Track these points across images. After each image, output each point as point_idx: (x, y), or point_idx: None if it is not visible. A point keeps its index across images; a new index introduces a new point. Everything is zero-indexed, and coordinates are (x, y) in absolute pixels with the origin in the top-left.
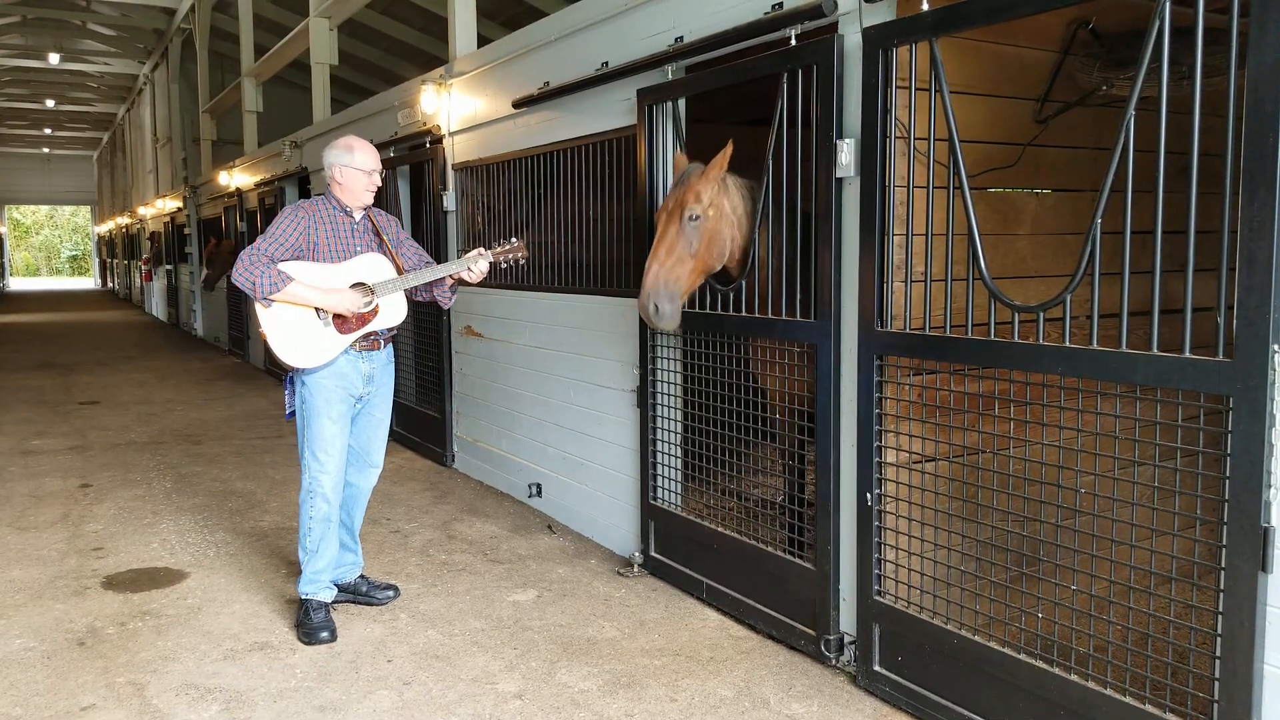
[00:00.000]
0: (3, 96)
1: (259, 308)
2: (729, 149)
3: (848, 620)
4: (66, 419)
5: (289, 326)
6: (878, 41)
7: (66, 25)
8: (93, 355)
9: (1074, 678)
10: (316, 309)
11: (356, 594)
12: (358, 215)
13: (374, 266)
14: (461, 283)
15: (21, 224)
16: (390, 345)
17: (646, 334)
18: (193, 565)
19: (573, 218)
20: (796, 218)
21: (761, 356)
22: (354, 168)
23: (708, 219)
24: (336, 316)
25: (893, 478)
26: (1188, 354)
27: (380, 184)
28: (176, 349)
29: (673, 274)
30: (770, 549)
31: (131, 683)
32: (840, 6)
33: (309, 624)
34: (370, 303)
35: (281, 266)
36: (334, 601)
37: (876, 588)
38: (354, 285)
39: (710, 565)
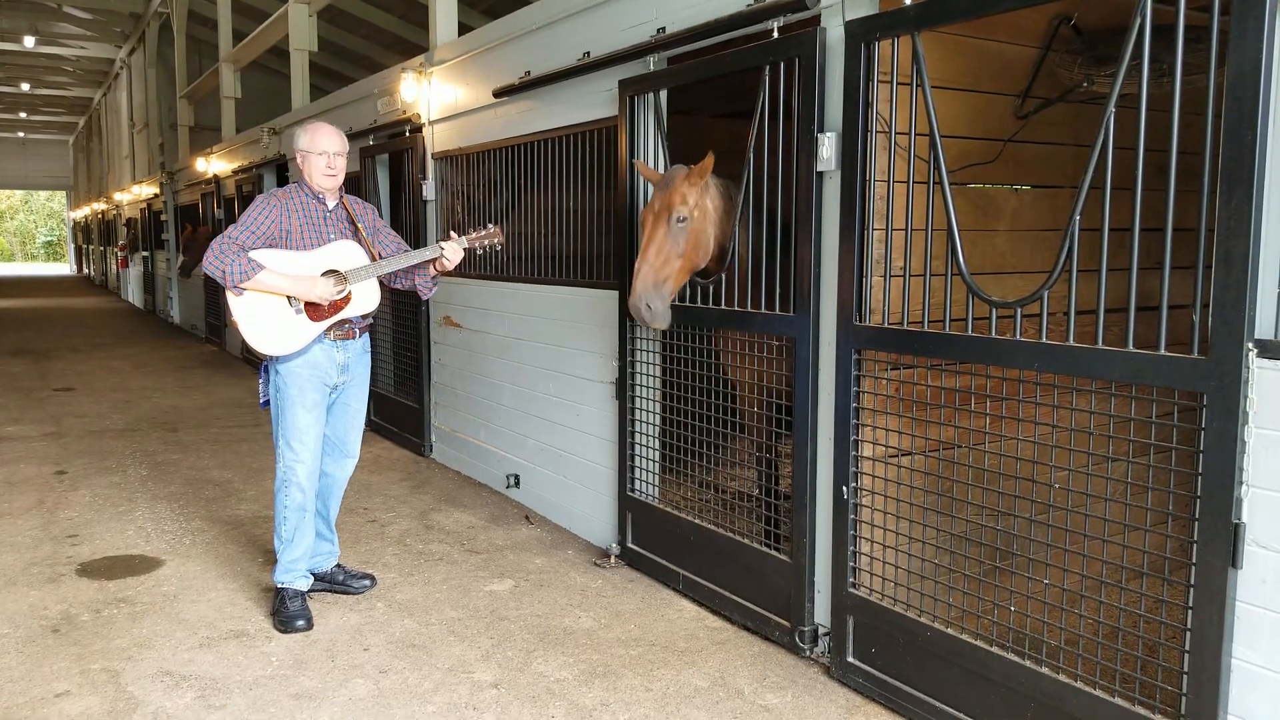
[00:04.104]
0: None
1: (230, 296)
2: (710, 160)
3: (822, 612)
4: (42, 405)
5: (261, 314)
6: (860, 35)
7: (42, 7)
8: (68, 341)
9: (1045, 670)
10: (288, 296)
11: (333, 583)
12: (331, 202)
13: (347, 253)
14: (444, 273)
15: None
16: (366, 335)
17: (626, 326)
18: (168, 553)
19: (553, 208)
20: (777, 212)
21: (729, 348)
22: (311, 150)
23: (693, 220)
24: (309, 304)
25: (869, 471)
26: (1163, 351)
27: (342, 167)
28: (153, 336)
29: (662, 274)
30: (746, 541)
31: (106, 669)
32: (823, 0)
33: (285, 612)
34: (343, 290)
35: (253, 254)
36: (310, 590)
37: (851, 580)
38: (326, 272)
39: (687, 557)
